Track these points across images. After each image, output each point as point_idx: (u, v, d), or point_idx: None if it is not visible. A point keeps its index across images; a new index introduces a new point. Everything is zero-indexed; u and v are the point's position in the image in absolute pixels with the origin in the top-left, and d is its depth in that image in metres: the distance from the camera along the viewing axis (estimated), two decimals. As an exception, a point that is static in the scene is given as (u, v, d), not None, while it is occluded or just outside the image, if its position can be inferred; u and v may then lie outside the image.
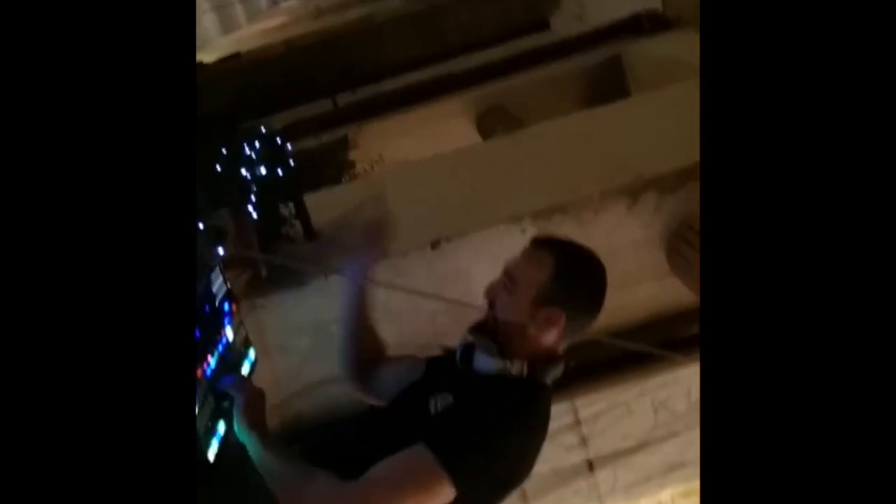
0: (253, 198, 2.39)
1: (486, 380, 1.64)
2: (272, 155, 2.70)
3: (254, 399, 1.86)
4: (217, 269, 2.18)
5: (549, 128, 3.82)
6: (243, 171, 2.37)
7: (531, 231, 2.76)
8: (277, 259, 2.17)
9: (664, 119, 3.12)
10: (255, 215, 2.40)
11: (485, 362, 1.65)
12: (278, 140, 2.76)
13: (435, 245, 2.68)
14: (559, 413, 2.85)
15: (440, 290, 2.53)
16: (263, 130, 2.79)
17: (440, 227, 2.76)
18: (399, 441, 1.58)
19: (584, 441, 2.86)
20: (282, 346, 2.65)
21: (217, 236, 1.87)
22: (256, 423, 1.80)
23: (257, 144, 2.67)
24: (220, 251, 1.91)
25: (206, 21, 20.90)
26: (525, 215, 2.75)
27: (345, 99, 6.26)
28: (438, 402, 1.63)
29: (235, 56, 10.13)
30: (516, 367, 1.63)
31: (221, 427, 1.93)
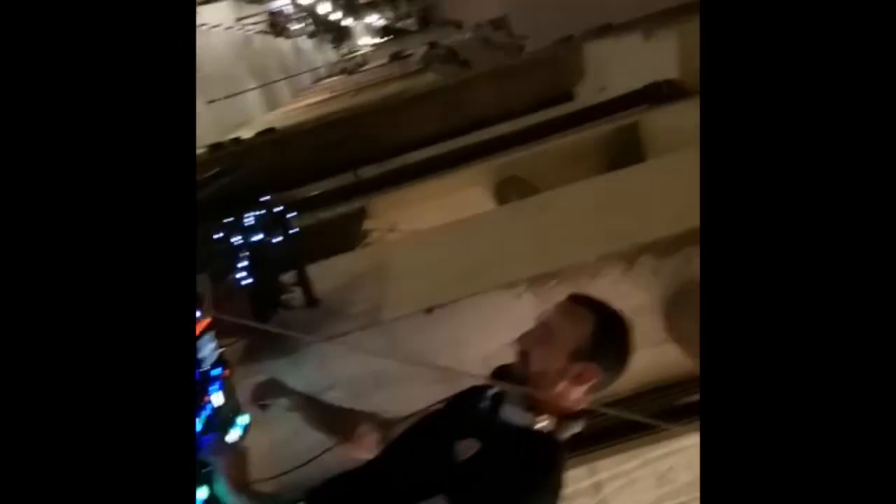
0: (244, 264, 2.42)
1: (513, 432, 1.66)
2: (269, 223, 2.75)
3: (233, 460, 1.86)
4: (208, 336, 2.21)
5: (555, 195, 3.85)
6: (232, 239, 2.42)
7: (527, 297, 2.76)
8: (261, 326, 2.19)
9: (668, 185, 3.12)
10: (247, 282, 2.43)
11: (513, 413, 1.67)
12: (275, 209, 2.81)
13: (429, 311, 2.68)
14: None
15: (434, 357, 2.53)
16: (262, 199, 2.85)
17: (436, 293, 2.77)
18: (421, 486, 1.59)
19: (586, 511, 2.80)
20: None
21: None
22: (240, 484, 1.81)
23: (257, 213, 2.72)
24: (198, 314, 1.94)
25: (250, 98, 21.60)
26: (521, 281, 2.76)
27: (368, 172, 6.39)
28: (464, 449, 1.65)
29: (270, 131, 10.45)
30: (543, 423, 1.66)
31: (203, 492, 1.93)
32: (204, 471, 2.01)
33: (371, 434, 1.92)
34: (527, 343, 1.71)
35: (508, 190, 5.28)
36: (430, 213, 4.79)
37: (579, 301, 1.72)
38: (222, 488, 1.85)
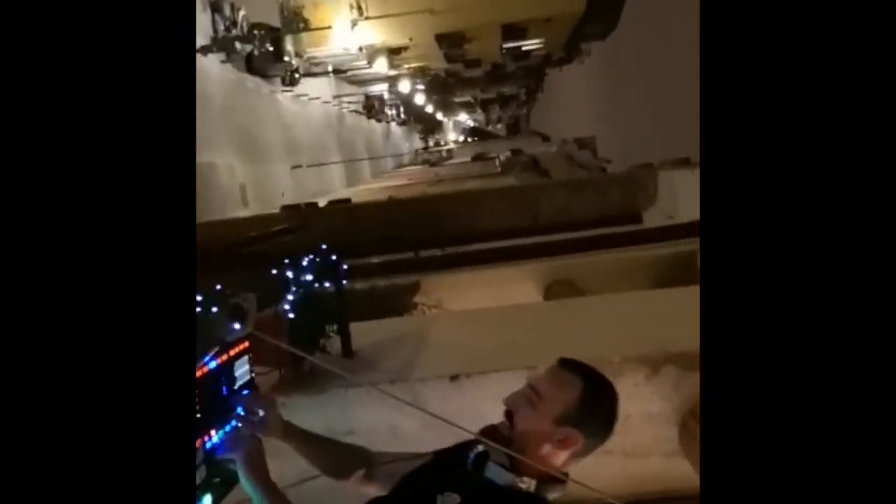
0: (291, 299, 2.59)
1: (494, 490, 1.69)
2: (323, 270, 2.92)
3: (252, 452, 1.97)
4: (245, 358, 2.36)
5: (598, 300, 3.96)
6: (287, 274, 2.59)
7: (548, 382, 2.84)
8: (296, 352, 2.34)
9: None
10: (291, 316, 2.59)
11: (496, 473, 1.70)
12: (332, 259, 3.00)
13: (454, 378, 2.79)
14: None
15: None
16: (323, 247, 3.04)
17: (464, 364, 2.89)
18: None
19: None
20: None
21: (237, 314, 2.05)
22: (259, 476, 1.91)
23: (313, 258, 2.90)
24: (237, 327, 2.07)
25: (333, 170, 22.31)
26: (545, 366, 2.84)
27: (428, 253, 6.59)
28: (445, 502, 1.68)
29: (345, 200, 10.83)
30: (525, 484, 1.68)
31: (208, 500, 2.04)
32: (215, 480, 2.11)
33: (355, 468, 2.00)
34: (513, 403, 1.75)
35: (557, 291, 5.40)
36: (477, 299, 4.93)
37: (568, 365, 1.76)
38: (245, 481, 1.94)
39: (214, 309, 2.04)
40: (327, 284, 2.97)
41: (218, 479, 2.15)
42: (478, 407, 2.76)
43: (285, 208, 10.56)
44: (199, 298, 2.13)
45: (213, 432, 2.18)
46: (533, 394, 1.72)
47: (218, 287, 2.20)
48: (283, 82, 19.07)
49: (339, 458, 2.07)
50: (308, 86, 21.36)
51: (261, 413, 1.98)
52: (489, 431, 1.78)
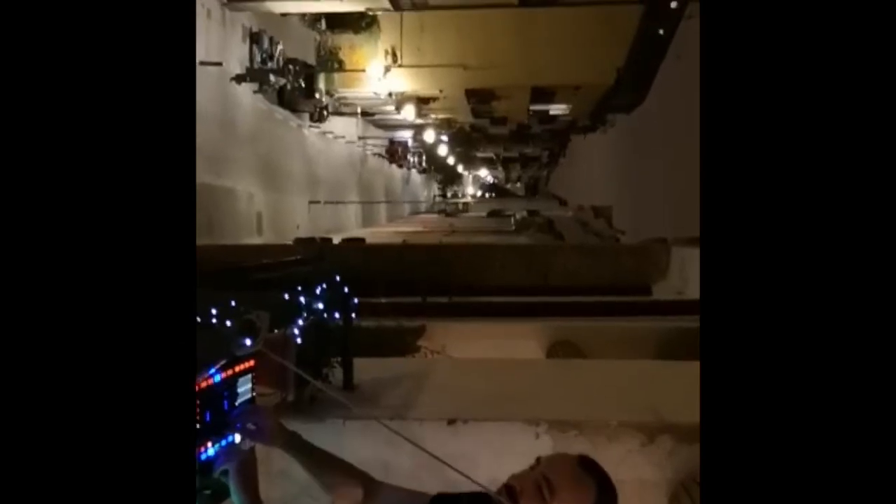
0: (301, 324, 2.63)
1: None
2: (334, 301, 2.97)
3: (246, 465, 1.99)
4: (249, 377, 2.40)
5: (600, 364, 3.98)
6: (300, 300, 2.64)
7: (545, 437, 2.86)
8: (302, 374, 2.38)
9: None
10: (299, 340, 2.63)
11: None
12: (345, 289, 3.04)
13: (451, 422, 2.81)
14: None
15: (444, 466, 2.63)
16: (337, 279, 3.08)
17: (463, 409, 2.91)
18: None
19: None
20: (284, 471, 2.76)
21: (248, 330, 2.09)
22: (249, 491, 1.94)
23: (325, 288, 2.95)
24: (248, 343, 2.11)
25: (350, 209, 22.46)
26: (544, 421, 2.87)
27: (436, 299, 6.64)
28: None
29: (360, 240, 10.94)
30: None
31: (199, 515, 2.06)
32: (206, 492, 2.13)
33: (355, 490, 2.02)
34: (521, 486, 1.72)
35: (559, 351, 5.43)
36: (480, 349, 4.96)
37: (587, 467, 1.75)
38: (234, 495, 1.96)
39: (228, 323, 2.09)
40: (336, 315, 3.01)
41: (208, 492, 2.18)
42: (470, 453, 2.79)
43: (299, 241, 10.68)
44: (214, 311, 2.18)
45: (209, 444, 2.21)
46: (546, 487, 1.69)
47: (233, 303, 2.26)
48: (312, 118, 19.38)
49: (341, 475, 2.10)
50: (335, 124, 21.66)
51: (260, 424, 2.02)
52: (480, 498, 1.78)
